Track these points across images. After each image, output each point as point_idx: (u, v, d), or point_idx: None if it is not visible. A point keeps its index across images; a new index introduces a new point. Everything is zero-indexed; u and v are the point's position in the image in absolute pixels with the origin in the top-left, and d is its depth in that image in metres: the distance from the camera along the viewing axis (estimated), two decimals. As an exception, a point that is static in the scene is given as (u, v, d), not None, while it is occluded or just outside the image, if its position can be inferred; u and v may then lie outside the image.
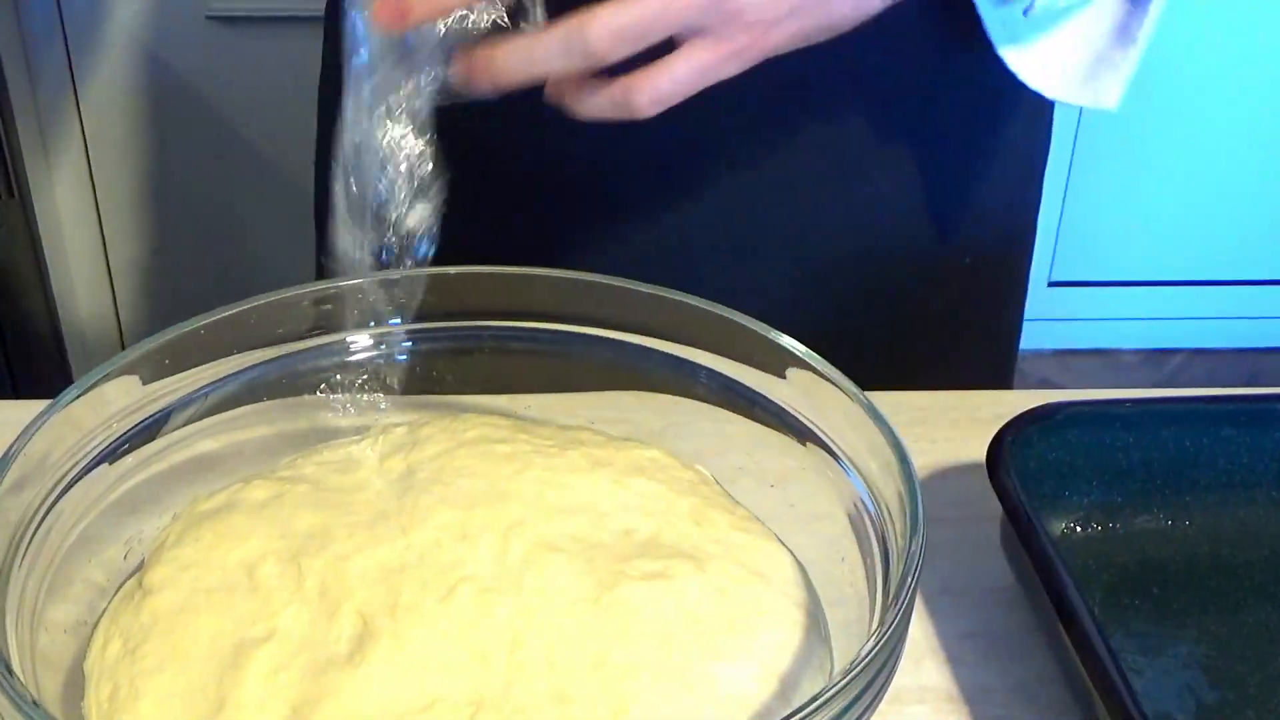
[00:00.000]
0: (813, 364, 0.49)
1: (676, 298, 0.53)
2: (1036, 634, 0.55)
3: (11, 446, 0.45)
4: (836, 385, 0.48)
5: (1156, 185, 2.32)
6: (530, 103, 0.51)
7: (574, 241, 0.71)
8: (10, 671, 0.37)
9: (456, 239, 0.52)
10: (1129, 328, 2.43)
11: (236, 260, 1.60)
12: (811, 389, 0.50)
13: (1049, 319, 2.42)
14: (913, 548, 0.42)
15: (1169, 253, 2.39)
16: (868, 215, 0.72)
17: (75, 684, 0.45)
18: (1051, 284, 2.41)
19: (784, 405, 0.52)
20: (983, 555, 0.58)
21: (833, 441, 0.49)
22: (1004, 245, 0.80)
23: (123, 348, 1.73)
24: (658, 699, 0.41)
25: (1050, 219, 2.32)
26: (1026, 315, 2.63)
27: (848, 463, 0.48)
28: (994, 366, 0.84)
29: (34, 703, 0.36)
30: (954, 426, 0.69)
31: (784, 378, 0.51)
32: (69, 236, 1.63)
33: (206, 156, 1.60)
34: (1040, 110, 0.77)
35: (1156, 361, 2.39)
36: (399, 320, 0.55)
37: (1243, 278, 2.42)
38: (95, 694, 0.43)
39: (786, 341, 0.50)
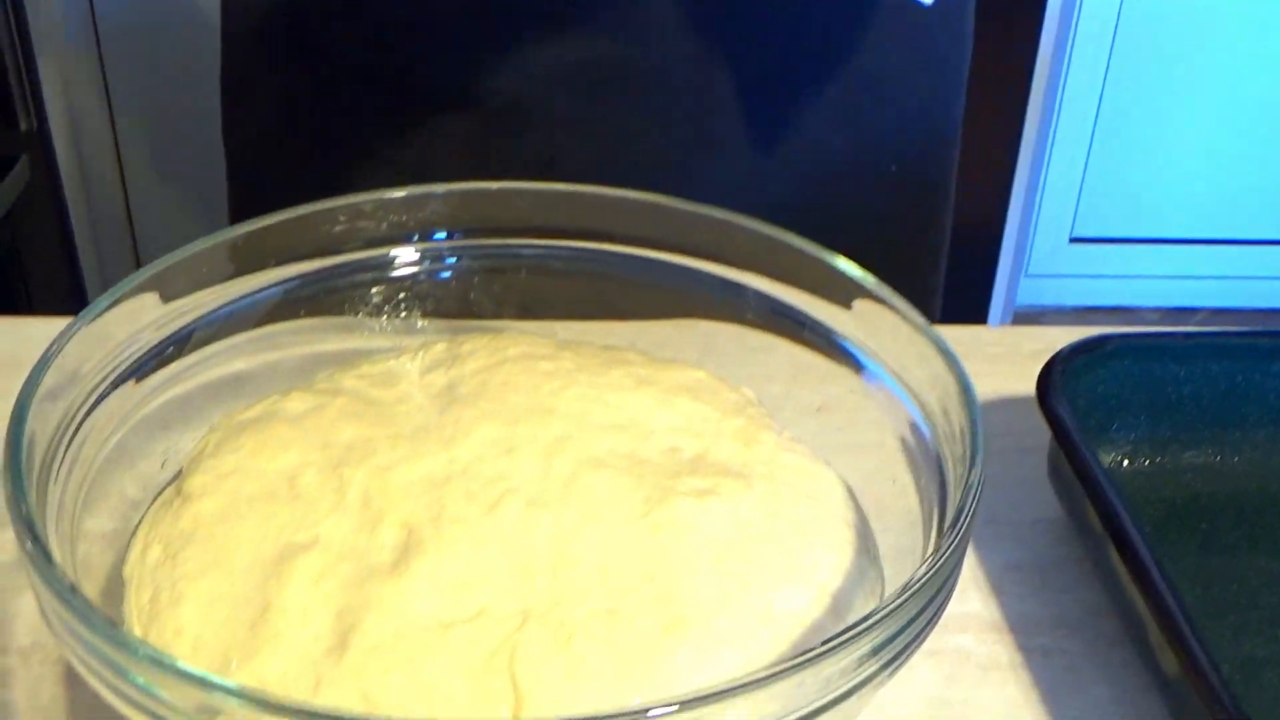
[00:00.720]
0: (872, 289, 0.48)
1: (725, 217, 0.52)
2: (1083, 566, 0.54)
3: (44, 356, 0.44)
4: (897, 311, 0.47)
5: (1181, 142, 2.29)
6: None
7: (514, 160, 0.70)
8: (50, 560, 0.37)
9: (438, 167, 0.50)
10: (1150, 285, 2.42)
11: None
12: (869, 315, 0.49)
13: (1070, 275, 2.41)
14: (972, 477, 0.41)
15: (1192, 210, 2.37)
16: (792, 125, 0.71)
17: (113, 592, 0.44)
18: (1073, 240, 2.40)
19: (836, 329, 0.50)
20: (1027, 488, 0.58)
21: (887, 367, 0.48)
22: (928, 153, 0.80)
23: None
24: (710, 615, 0.40)
25: (1073, 175, 2.30)
26: (1048, 271, 2.62)
27: (903, 388, 0.47)
28: (922, 285, 0.83)
29: (73, 589, 0.36)
30: (995, 361, 0.68)
31: (839, 302, 0.50)
32: (88, 166, 1.62)
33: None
34: (959, 17, 0.76)
35: (1177, 320, 2.38)
36: (433, 237, 0.54)
37: (1266, 237, 2.40)
38: (136, 598, 0.42)
39: (844, 265, 0.49)
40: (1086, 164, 2.30)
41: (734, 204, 0.53)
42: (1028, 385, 0.60)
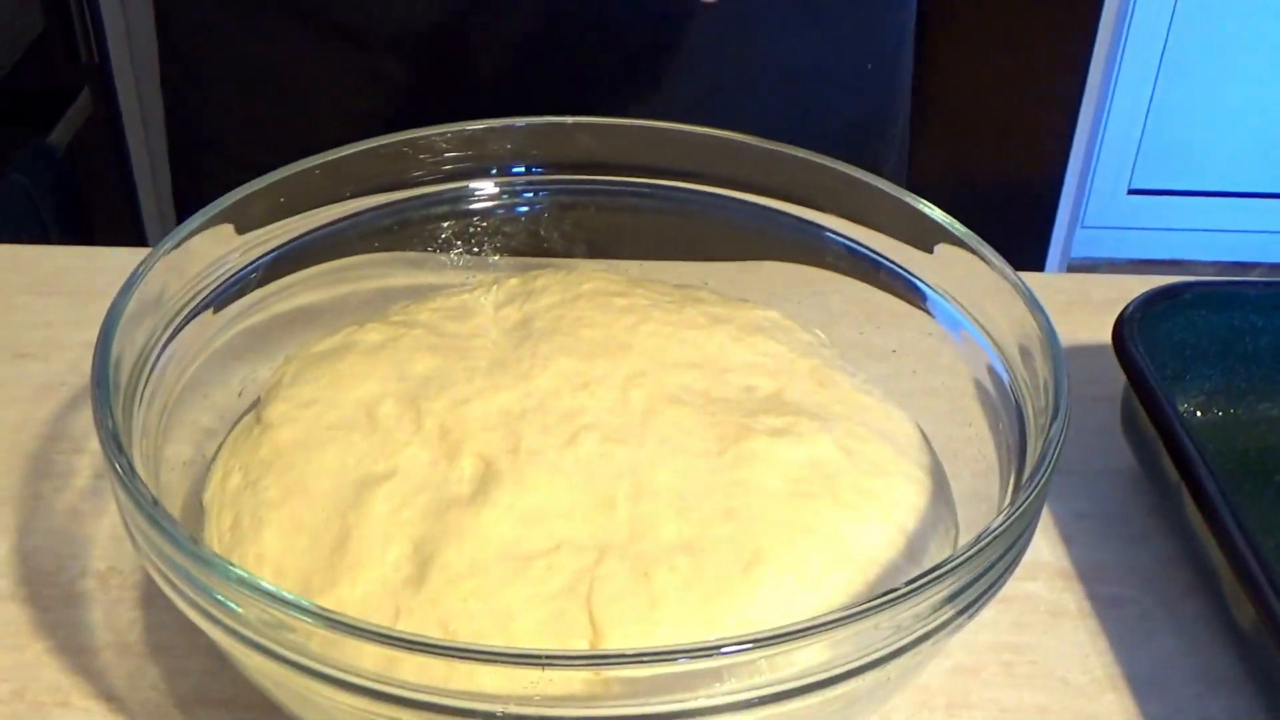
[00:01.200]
0: (958, 234, 0.47)
1: (804, 156, 0.52)
2: (1156, 516, 0.54)
3: (128, 282, 0.44)
4: (981, 257, 0.46)
5: (1242, 95, 2.25)
6: None
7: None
8: (134, 472, 0.37)
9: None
10: (1208, 239, 2.39)
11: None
12: (950, 259, 0.48)
13: (1126, 227, 2.38)
14: (1053, 431, 0.40)
15: (1252, 164, 2.33)
16: (757, 36, 0.70)
17: (192, 519, 0.45)
18: (1131, 192, 2.36)
19: (914, 272, 0.50)
20: (1099, 437, 0.57)
21: (965, 311, 0.48)
22: (877, 108, 0.79)
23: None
24: (788, 553, 0.40)
25: (1133, 126, 2.27)
26: (1104, 223, 2.59)
27: (981, 334, 0.47)
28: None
29: (154, 501, 0.36)
30: (1066, 309, 0.67)
31: (920, 246, 0.49)
32: (148, 100, 1.62)
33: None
34: None
35: (1234, 274, 2.34)
36: (511, 171, 0.54)
37: (1329, 191, 2.35)
38: (216, 524, 0.43)
39: (928, 209, 0.48)
40: (1147, 115, 2.26)
41: (702, 118, 0.53)
42: (1097, 333, 0.60)
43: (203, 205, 0.48)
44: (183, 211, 0.87)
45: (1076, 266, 2.31)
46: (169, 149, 0.84)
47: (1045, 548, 0.53)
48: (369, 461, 0.42)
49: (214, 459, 0.46)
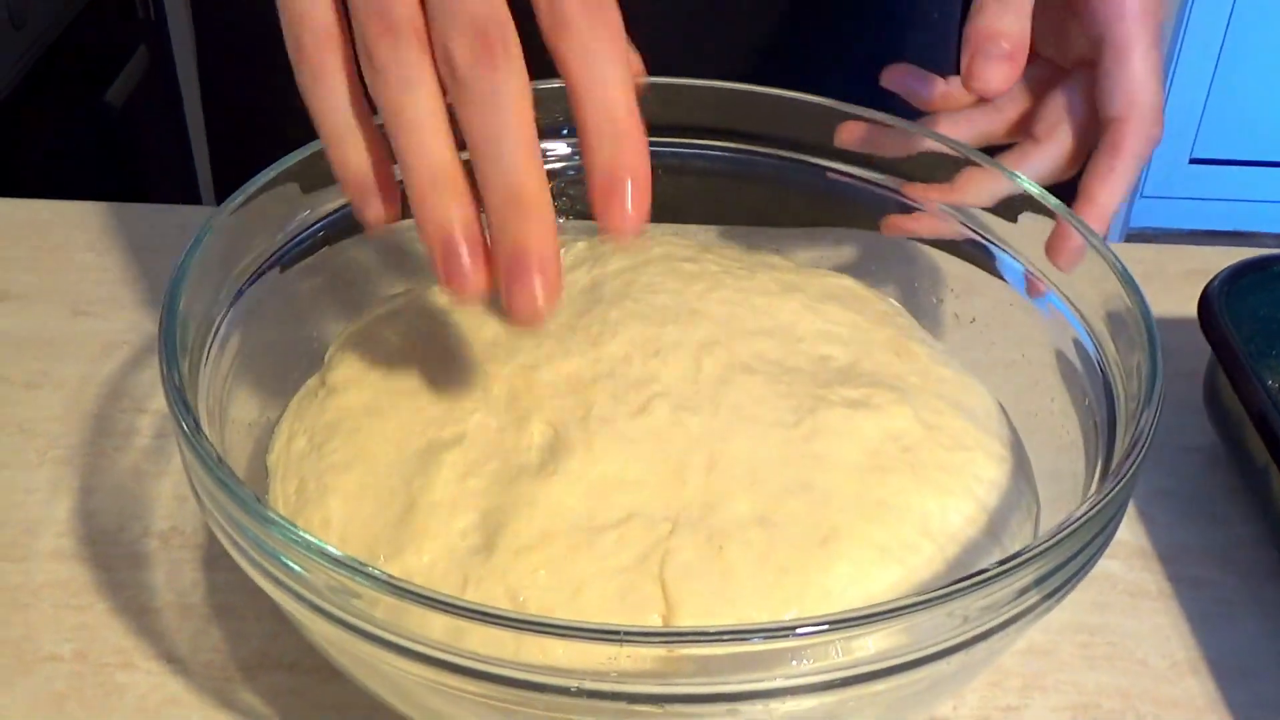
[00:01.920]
0: (1050, 205, 0.46)
1: (880, 118, 0.50)
2: (1238, 495, 0.52)
3: (194, 241, 0.44)
4: (1078, 229, 0.45)
5: (1314, 62, 2.20)
6: None
7: None
8: (200, 430, 0.36)
9: None
10: (1271, 210, 2.34)
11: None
12: (1035, 228, 0.47)
13: (1188, 197, 2.34)
14: (1144, 418, 0.39)
15: (1321, 134, 2.28)
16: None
17: (256, 481, 0.44)
18: (1193, 161, 2.32)
19: (997, 240, 0.48)
20: (1179, 413, 0.55)
21: (1050, 281, 0.46)
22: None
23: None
24: (866, 529, 0.39)
25: (1196, 95, 2.22)
26: (1165, 192, 2.55)
27: (1069, 307, 0.45)
28: None
29: (219, 459, 0.35)
30: (1145, 280, 0.64)
31: (1004, 215, 0.48)
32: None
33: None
34: None
35: (1298, 247, 2.30)
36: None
37: (1399, 162, 2.30)
38: (281, 487, 0.42)
39: (1013, 175, 0.47)
40: (1211, 83, 2.22)
41: (772, 79, 0.51)
42: (1176, 306, 0.58)
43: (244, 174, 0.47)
44: (221, 179, 0.86)
45: (1135, 236, 2.27)
46: (205, 116, 0.83)
47: (1124, 526, 0.51)
48: (435, 427, 0.41)
49: (278, 422, 0.46)
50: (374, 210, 0.38)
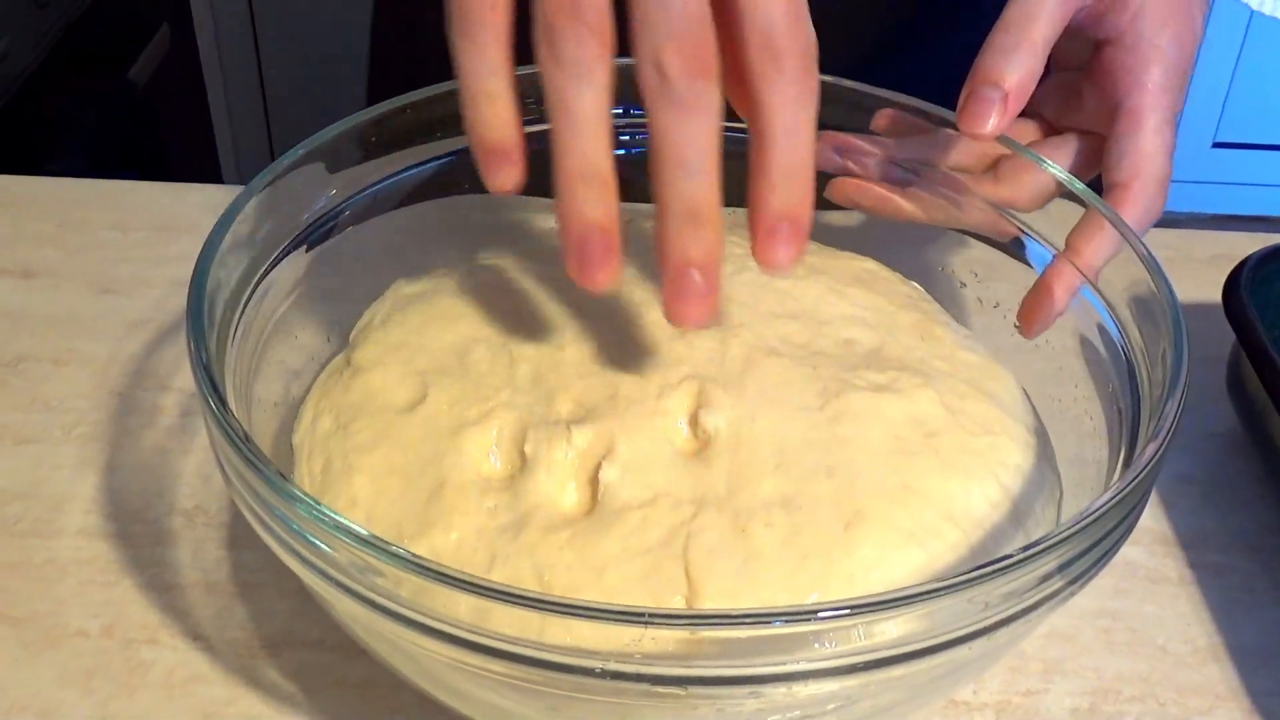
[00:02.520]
0: (1075, 189, 0.46)
1: (905, 101, 0.50)
2: (1261, 483, 0.52)
3: (222, 220, 0.44)
4: (1099, 212, 0.45)
5: (1340, 46, 2.18)
6: None
7: None
8: (227, 407, 0.37)
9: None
10: (1295, 195, 2.33)
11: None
12: (1061, 213, 0.47)
13: (1211, 181, 2.32)
14: (1168, 407, 0.38)
15: (1346, 118, 2.26)
16: None
17: (281, 460, 0.45)
18: (1216, 145, 2.30)
19: (1021, 223, 0.48)
20: (1202, 399, 0.55)
21: (1079, 270, 0.46)
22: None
23: (270, 143, 1.75)
24: (890, 513, 0.39)
25: (1220, 79, 2.20)
26: (1187, 176, 2.52)
27: (1092, 290, 0.45)
28: None
29: (246, 437, 0.36)
30: (1169, 266, 0.64)
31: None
32: (225, 36, 1.62)
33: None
34: None
35: (1321, 233, 2.28)
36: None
37: None
38: (307, 466, 0.42)
39: (1038, 159, 0.47)
40: (1235, 67, 2.20)
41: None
42: (1201, 291, 0.58)
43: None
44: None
45: (1158, 221, 2.26)
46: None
47: (1146, 512, 0.51)
48: (462, 407, 0.42)
49: (304, 401, 0.46)
50: (504, 176, 0.38)
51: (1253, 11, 2.24)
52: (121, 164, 1.41)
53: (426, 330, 0.45)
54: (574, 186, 0.36)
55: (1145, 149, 0.46)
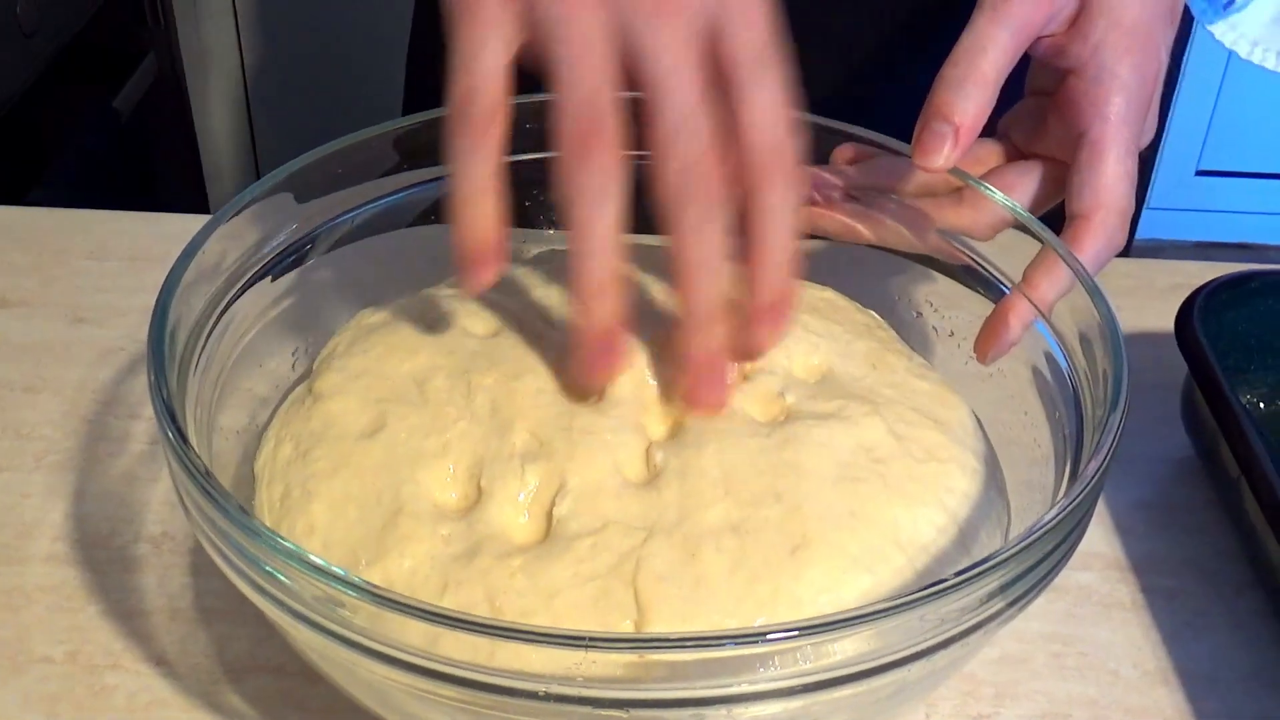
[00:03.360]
0: (1020, 218, 0.46)
1: (862, 134, 0.51)
2: (1214, 508, 0.53)
3: (186, 250, 0.45)
4: (1043, 241, 0.45)
5: (1320, 74, 2.19)
6: None
7: None
8: (187, 442, 0.37)
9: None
10: (1277, 222, 2.34)
11: (377, 93, 1.59)
12: (1011, 243, 0.47)
13: (1193, 209, 2.33)
14: (1111, 422, 0.39)
15: (1326, 146, 2.28)
16: None
17: (242, 487, 0.45)
18: (1199, 173, 2.32)
19: (973, 254, 0.49)
20: (1157, 425, 0.56)
21: (1033, 304, 0.47)
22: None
23: (257, 172, 1.76)
24: (837, 538, 0.40)
25: (1203, 107, 2.22)
26: (1171, 204, 2.54)
27: (1042, 321, 0.46)
28: None
29: (206, 471, 0.36)
30: (1126, 294, 0.66)
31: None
32: (212, 65, 1.63)
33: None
34: None
35: (1304, 259, 2.30)
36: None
37: (1404, 175, 2.30)
38: (267, 493, 0.43)
39: (988, 190, 0.48)
40: (1218, 95, 2.22)
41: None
42: (1160, 320, 0.59)
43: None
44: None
45: (1142, 248, 2.27)
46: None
47: (1100, 537, 0.52)
48: (420, 436, 0.42)
49: (266, 428, 0.46)
50: (483, 276, 0.41)
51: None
52: (107, 192, 1.42)
53: (387, 359, 0.46)
54: (591, 298, 0.39)
55: (1106, 180, 0.47)
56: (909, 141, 0.49)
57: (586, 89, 0.38)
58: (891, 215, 0.51)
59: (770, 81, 0.39)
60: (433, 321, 0.47)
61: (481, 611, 0.38)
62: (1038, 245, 0.46)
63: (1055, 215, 0.49)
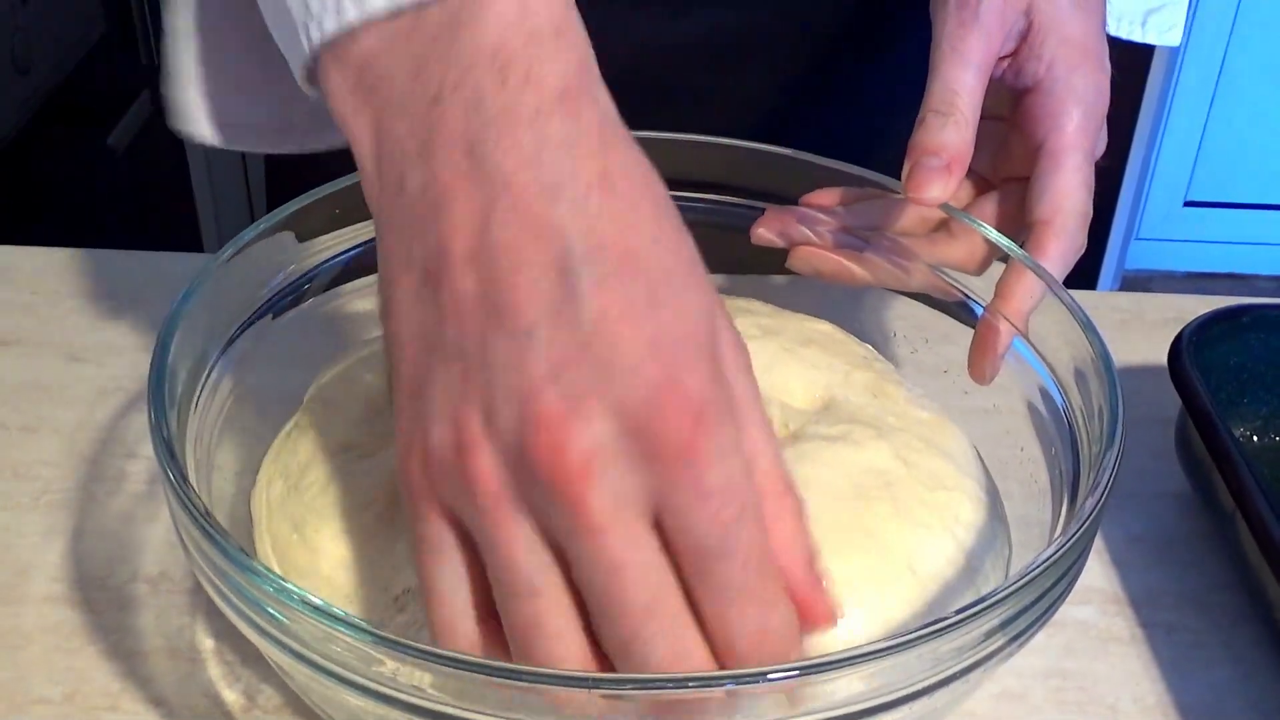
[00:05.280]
0: (1013, 253, 0.47)
1: (853, 171, 0.52)
2: (1210, 540, 0.53)
3: (188, 290, 0.45)
4: (1041, 279, 0.46)
5: (1305, 106, 2.22)
6: None
7: None
8: (186, 481, 0.37)
9: None
10: (1265, 252, 2.35)
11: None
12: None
13: (1183, 240, 2.35)
14: (1107, 460, 0.40)
15: (1314, 177, 2.29)
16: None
17: (243, 526, 0.45)
18: (1187, 204, 2.33)
19: (966, 290, 0.50)
20: (1153, 459, 0.56)
21: (1021, 334, 0.47)
22: None
23: (251, 208, 1.76)
24: (844, 565, 0.40)
25: (1190, 139, 2.24)
26: (1160, 235, 2.55)
27: (1035, 355, 0.47)
28: None
29: (206, 512, 0.36)
30: (1119, 327, 0.66)
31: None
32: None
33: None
34: None
35: (1294, 290, 2.31)
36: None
37: (1391, 205, 2.31)
38: (264, 531, 0.43)
39: (981, 227, 0.48)
40: (1205, 126, 2.24)
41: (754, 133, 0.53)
42: (1153, 353, 0.59)
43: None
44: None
45: (1131, 278, 2.28)
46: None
47: (1098, 571, 0.52)
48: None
49: (260, 466, 0.47)
50: None
51: (1220, 72, 2.27)
52: (102, 229, 1.42)
53: (376, 390, 0.45)
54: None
55: (1064, 186, 0.47)
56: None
57: (525, 612, 0.33)
58: (884, 254, 0.51)
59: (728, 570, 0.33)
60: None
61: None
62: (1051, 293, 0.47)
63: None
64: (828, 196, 0.52)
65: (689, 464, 0.32)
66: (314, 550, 0.41)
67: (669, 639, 0.33)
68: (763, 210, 0.53)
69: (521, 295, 0.31)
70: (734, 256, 0.56)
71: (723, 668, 0.34)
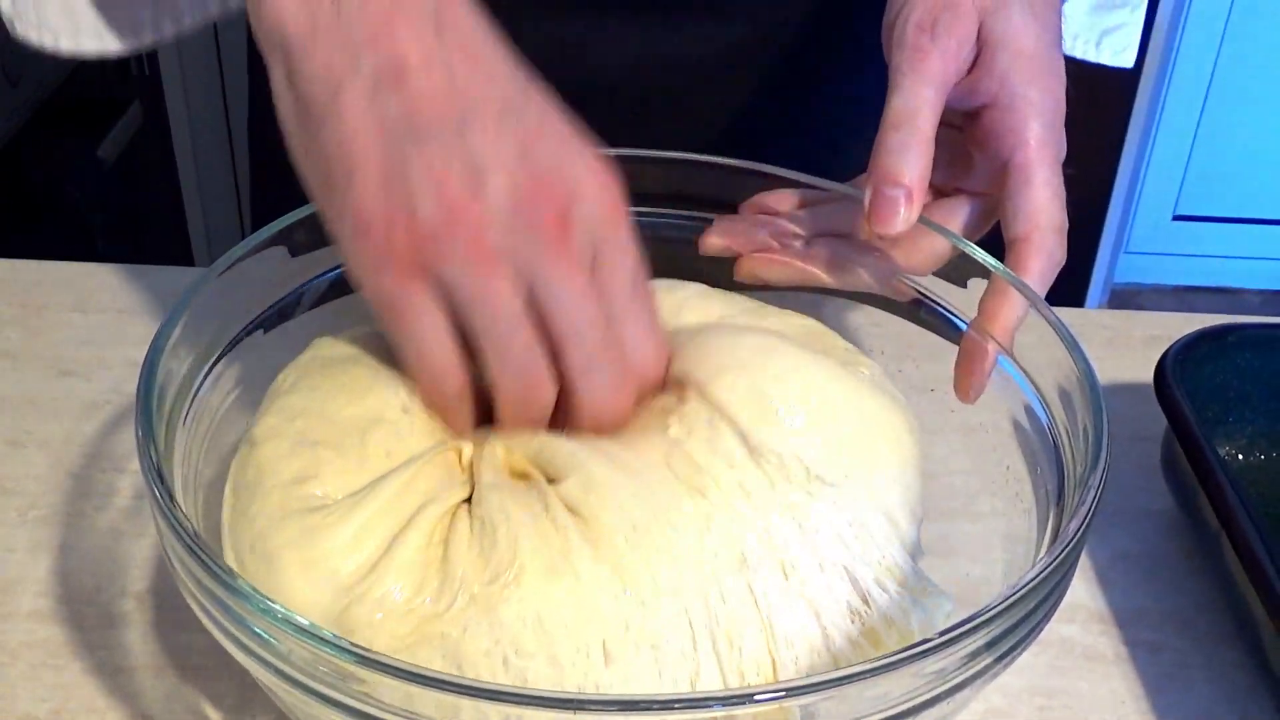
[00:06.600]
0: (997, 270, 0.47)
1: (841, 190, 0.52)
2: (1195, 559, 0.53)
3: (177, 305, 0.45)
4: (1023, 294, 0.46)
5: (1293, 120, 2.22)
6: None
7: None
8: (173, 500, 0.37)
9: None
10: (1254, 266, 2.36)
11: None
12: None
13: (1172, 254, 2.35)
14: (1093, 479, 0.40)
15: (1301, 191, 2.30)
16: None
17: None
18: (1176, 218, 2.34)
19: (952, 308, 0.50)
20: (1138, 478, 0.57)
21: (1006, 352, 0.48)
22: None
23: (241, 220, 1.76)
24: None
25: (1179, 153, 2.25)
26: (1149, 248, 2.55)
27: (1020, 373, 0.47)
28: None
29: (195, 534, 0.36)
30: (1105, 345, 0.67)
31: (956, 281, 0.49)
32: (196, 113, 1.64)
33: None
34: None
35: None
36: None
37: (1378, 219, 2.32)
38: (228, 546, 0.42)
39: (967, 246, 0.48)
40: (1194, 140, 2.24)
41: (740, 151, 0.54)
42: (1139, 372, 0.59)
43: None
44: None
45: (1120, 292, 2.29)
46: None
47: (1083, 589, 0.53)
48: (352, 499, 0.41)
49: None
50: None
51: (1209, 86, 2.28)
52: (91, 240, 1.42)
53: (332, 400, 0.44)
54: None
55: (1038, 201, 0.47)
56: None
57: (517, 359, 0.41)
58: (851, 259, 0.51)
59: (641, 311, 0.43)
60: (390, 361, 0.46)
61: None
62: (1036, 311, 0.47)
63: (995, 244, 0.49)
64: (784, 200, 0.52)
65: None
66: (278, 583, 0.40)
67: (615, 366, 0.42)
68: None
69: (478, 90, 0.40)
70: (715, 276, 0.56)
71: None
